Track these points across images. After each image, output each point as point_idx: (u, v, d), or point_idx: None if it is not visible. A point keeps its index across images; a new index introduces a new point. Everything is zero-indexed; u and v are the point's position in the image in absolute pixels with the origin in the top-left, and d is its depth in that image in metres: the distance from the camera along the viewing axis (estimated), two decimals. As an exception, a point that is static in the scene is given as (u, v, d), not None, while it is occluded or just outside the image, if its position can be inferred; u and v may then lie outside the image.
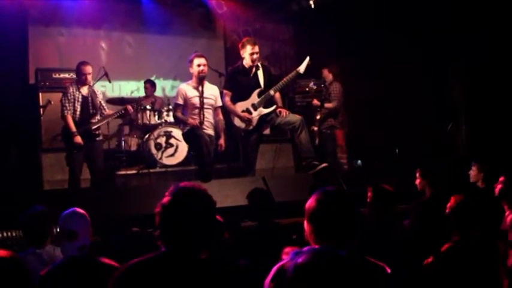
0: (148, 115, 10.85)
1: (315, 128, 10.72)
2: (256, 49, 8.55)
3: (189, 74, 8.73)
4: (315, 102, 10.56)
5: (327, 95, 10.66)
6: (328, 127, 10.71)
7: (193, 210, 2.92)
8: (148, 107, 10.96)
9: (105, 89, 12.31)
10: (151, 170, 10.27)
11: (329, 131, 10.71)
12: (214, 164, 9.02)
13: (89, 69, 8.92)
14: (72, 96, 8.83)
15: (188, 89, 8.66)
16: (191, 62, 8.58)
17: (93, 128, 8.89)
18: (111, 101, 11.18)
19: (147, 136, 10.54)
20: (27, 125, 10.06)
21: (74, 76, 9.53)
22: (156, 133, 10.38)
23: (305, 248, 2.18)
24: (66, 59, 9.18)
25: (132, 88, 12.69)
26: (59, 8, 11.68)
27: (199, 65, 8.51)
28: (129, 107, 9.22)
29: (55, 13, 11.71)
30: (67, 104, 8.83)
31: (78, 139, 8.71)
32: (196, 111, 8.62)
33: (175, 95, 9.16)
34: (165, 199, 2.95)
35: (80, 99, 8.87)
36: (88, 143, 8.83)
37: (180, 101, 8.67)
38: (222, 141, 8.96)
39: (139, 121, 10.89)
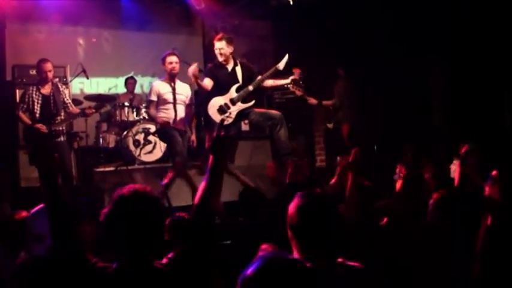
0: (126, 112, 10.80)
1: (330, 125, 10.77)
2: (221, 45, 8.65)
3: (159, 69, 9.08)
4: (312, 101, 10.52)
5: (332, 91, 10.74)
6: (336, 122, 10.76)
7: (138, 217, 2.80)
8: (126, 103, 10.92)
9: (83, 86, 12.30)
10: (129, 167, 10.21)
11: (337, 125, 10.76)
12: (189, 160, 9.22)
13: (48, 66, 8.82)
14: (29, 98, 8.80)
15: (161, 85, 9.03)
16: (163, 60, 8.96)
17: (53, 128, 8.78)
18: (89, 98, 11.14)
19: (125, 133, 10.49)
20: (4, 122, 9.98)
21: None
22: (134, 130, 10.34)
23: (258, 257, 2.13)
24: (43, 56, 9.11)
25: (110, 85, 12.68)
26: (37, 5, 11.58)
27: (170, 63, 8.89)
28: (88, 111, 9.18)
29: (33, 9, 11.61)
30: (21, 104, 8.85)
31: (39, 126, 8.63)
32: (169, 106, 9.01)
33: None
34: (107, 207, 2.86)
35: (40, 100, 8.81)
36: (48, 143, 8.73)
37: (154, 98, 9.02)
38: (193, 137, 9.50)
39: (118, 118, 10.84)
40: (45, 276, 3.45)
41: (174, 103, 9.01)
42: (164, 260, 2.92)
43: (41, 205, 4.36)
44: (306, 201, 2.99)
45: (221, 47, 8.64)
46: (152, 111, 9.10)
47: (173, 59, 8.92)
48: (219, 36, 8.84)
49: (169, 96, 8.99)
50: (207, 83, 8.70)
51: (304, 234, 2.93)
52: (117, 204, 2.83)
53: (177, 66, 8.94)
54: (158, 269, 2.85)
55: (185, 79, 9.02)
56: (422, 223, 4.71)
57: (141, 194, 2.87)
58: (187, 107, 9.36)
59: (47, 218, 4.10)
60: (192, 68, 8.39)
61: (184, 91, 9.20)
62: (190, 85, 9.38)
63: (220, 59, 8.68)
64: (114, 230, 2.82)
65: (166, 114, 9.00)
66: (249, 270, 2.01)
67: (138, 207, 2.82)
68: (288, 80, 8.82)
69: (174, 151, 8.85)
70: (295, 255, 2.91)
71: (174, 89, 9.02)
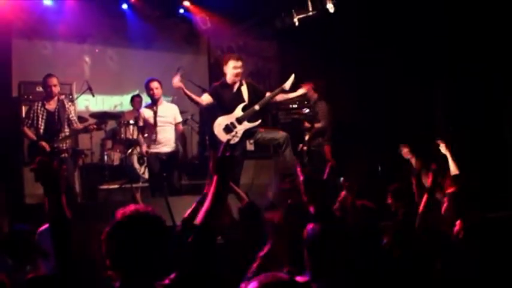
0: (131, 130, 10.80)
1: (304, 148, 10.72)
2: (240, 64, 8.67)
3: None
4: (306, 124, 10.53)
5: (315, 114, 10.65)
6: (317, 145, 10.71)
7: (139, 236, 2.80)
8: (131, 121, 10.94)
9: (89, 103, 12.33)
10: (134, 185, 10.23)
11: (318, 148, 10.71)
12: (178, 179, 9.82)
13: (53, 81, 8.89)
14: (34, 114, 8.87)
15: (145, 111, 9.56)
16: (146, 86, 9.44)
17: (55, 145, 8.82)
18: (95, 115, 11.18)
19: (130, 151, 10.51)
20: (10, 138, 10.00)
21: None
22: (139, 148, 10.38)
23: (258, 276, 2.13)
24: (49, 73, 9.20)
25: (115, 102, 12.72)
26: (43, 22, 11.65)
27: (151, 89, 9.31)
28: (91, 127, 9.29)
29: (39, 26, 11.68)
30: (26, 120, 8.94)
31: (43, 144, 8.68)
32: (152, 129, 9.37)
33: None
34: (109, 226, 2.85)
35: (45, 116, 8.87)
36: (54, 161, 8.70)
37: (141, 123, 9.65)
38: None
39: (122, 135, 10.83)
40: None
41: (155, 126, 9.31)
42: (166, 281, 2.92)
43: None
44: (324, 224, 3.03)
45: (241, 65, 8.69)
46: (139, 137, 9.76)
47: (154, 85, 9.29)
48: (236, 55, 8.96)
49: (151, 121, 9.33)
50: (205, 98, 8.82)
51: (319, 254, 2.96)
52: (118, 224, 2.84)
53: (156, 92, 9.28)
54: None
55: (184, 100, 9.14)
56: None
57: (142, 214, 2.88)
58: (177, 125, 9.60)
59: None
60: (175, 81, 8.59)
61: (168, 112, 9.50)
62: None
63: (237, 78, 8.70)
64: (115, 249, 2.81)
65: (151, 136, 9.37)
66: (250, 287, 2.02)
67: (140, 228, 2.82)
68: (299, 93, 8.93)
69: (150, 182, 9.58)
70: (308, 275, 2.94)
71: (155, 113, 9.32)
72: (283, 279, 2.11)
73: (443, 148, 7.90)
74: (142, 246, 2.79)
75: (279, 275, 2.17)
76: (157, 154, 9.36)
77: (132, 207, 2.91)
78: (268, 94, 8.82)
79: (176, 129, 9.58)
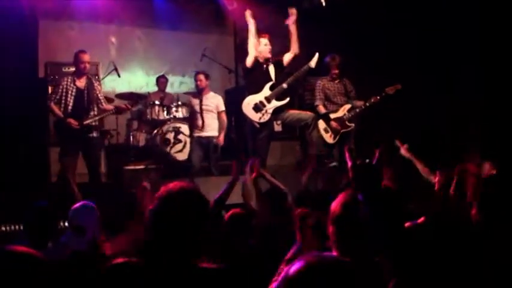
0: (157, 110, 10.82)
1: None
2: (268, 41, 9.14)
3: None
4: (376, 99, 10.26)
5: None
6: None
7: (184, 214, 2.73)
8: (157, 102, 10.94)
9: (115, 84, 12.34)
10: (159, 166, 10.27)
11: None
12: (216, 161, 10.12)
13: (87, 57, 8.75)
14: (63, 89, 8.65)
15: (192, 99, 10.51)
16: (194, 77, 10.41)
17: (84, 123, 8.65)
18: (121, 96, 11.17)
19: (155, 131, 10.52)
20: (36, 118, 10.02)
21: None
22: (164, 128, 10.40)
23: (302, 256, 2.08)
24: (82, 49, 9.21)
25: (141, 83, 12.71)
26: (69, 2, 11.66)
27: (196, 80, 10.26)
28: (123, 106, 9.24)
29: (66, 7, 11.69)
30: (53, 95, 8.76)
31: (71, 121, 8.53)
32: (198, 115, 10.14)
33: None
34: (153, 204, 2.78)
35: (74, 92, 8.67)
36: (82, 139, 8.70)
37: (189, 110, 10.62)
38: (220, 137, 10.18)
39: (148, 116, 10.86)
40: (91, 270, 3.47)
41: (201, 112, 10.04)
42: (211, 265, 2.86)
43: (84, 202, 4.42)
44: (353, 196, 3.01)
45: (268, 42, 9.16)
46: (185, 122, 10.68)
47: (199, 77, 10.20)
48: (263, 33, 9.35)
49: (197, 108, 10.14)
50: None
51: (347, 227, 2.94)
52: (166, 201, 2.75)
53: (200, 83, 10.17)
54: (203, 269, 2.78)
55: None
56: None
57: (187, 190, 2.81)
58: (219, 113, 10.24)
59: (88, 214, 4.15)
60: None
61: (212, 102, 10.20)
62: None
63: (269, 55, 9.09)
64: (161, 227, 2.74)
65: (196, 121, 10.10)
66: (292, 270, 1.97)
67: (188, 204, 2.75)
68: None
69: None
70: (334, 252, 2.90)
71: (201, 101, 10.10)
72: (331, 258, 2.07)
73: (404, 151, 7.49)
74: (190, 223, 2.73)
75: (326, 254, 2.12)
76: (199, 138, 9.97)
77: (177, 185, 2.83)
78: (295, 73, 8.84)
79: (218, 117, 10.20)
